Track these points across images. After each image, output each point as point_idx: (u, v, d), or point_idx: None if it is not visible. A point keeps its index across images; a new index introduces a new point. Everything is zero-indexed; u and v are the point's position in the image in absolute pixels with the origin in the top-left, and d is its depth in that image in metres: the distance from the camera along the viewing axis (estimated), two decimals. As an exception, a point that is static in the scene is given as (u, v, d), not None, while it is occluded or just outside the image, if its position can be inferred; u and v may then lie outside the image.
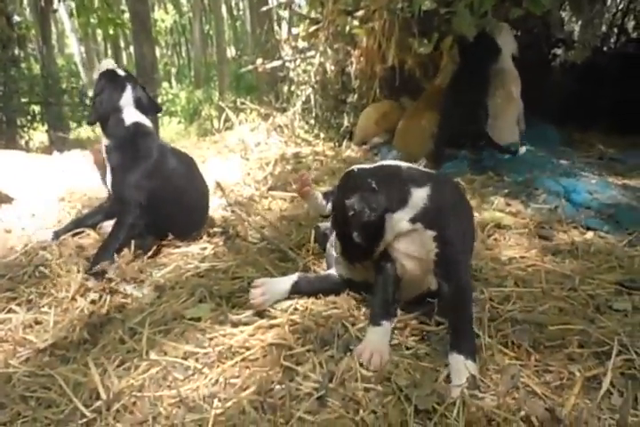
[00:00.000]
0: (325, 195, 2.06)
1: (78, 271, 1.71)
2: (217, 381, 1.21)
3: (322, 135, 4.39)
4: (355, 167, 1.53)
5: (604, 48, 5.79)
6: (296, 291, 1.58)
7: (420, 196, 1.40)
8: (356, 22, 4.16)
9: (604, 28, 6.25)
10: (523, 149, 3.14)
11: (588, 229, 2.17)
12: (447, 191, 1.46)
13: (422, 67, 3.93)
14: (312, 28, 4.65)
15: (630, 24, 5.84)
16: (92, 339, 1.38)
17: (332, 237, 1.77)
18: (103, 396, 1.11)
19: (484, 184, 2.85)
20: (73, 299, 1.56)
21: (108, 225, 2.09)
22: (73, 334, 1.37)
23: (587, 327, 1.39)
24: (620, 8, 5.82)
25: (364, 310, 1.54)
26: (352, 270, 1.62)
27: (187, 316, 1.47)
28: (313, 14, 5.00)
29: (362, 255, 1.50)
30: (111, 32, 11.35)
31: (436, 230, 1.40)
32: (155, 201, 1.97)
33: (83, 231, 2.09)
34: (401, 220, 1.40)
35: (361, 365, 1.26)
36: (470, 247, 1.57)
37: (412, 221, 1.40)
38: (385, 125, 3.92)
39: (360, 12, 4.15)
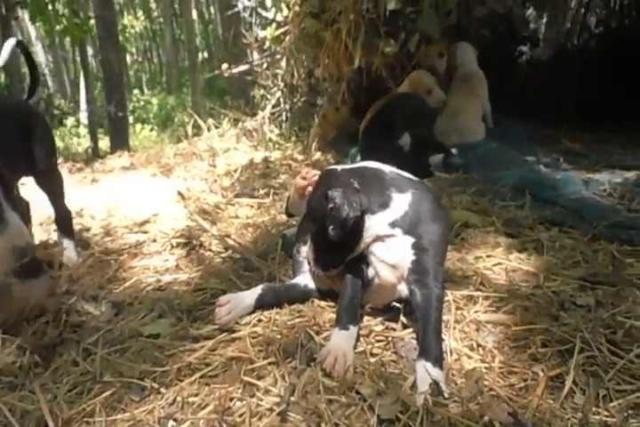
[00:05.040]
0: None
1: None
2: (174, 400, 1.17)
3: (292, 139, 4.36)
4: (336, 167, 1.53)
5: (568, 44, 5.88)
6: (261, 305, 1.54)
7: (401, 201, 1.41)
8: (322, 24, 4.14)
9: (567, 25, 6.37)
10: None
11: (554, 224, 2.18)
12: (428, 199, 1.46)
13: (389, 67, 3.93)
14: (279, 32, 4.62)
15: (592, 20, 5.93)
16: (44, 363, 1.32)
17: (299, 244, 1.74)
18: (51, 425, 1.06)
19: (453, 183, 2.85)
20: (25, 320, 1.50)
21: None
22: (23, 359, 1.31)
23: (550, 326, 1.38)
24: (581, 3, 5.92)
25: (329, 316, 1.51)
26: (319, 279, 1.60)
27: (145, 333, 1.42)
28: (279, 17, 4.97)
29: (338, 258, 1.46)
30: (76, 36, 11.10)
31: (415, 237, 1.40)
32: None
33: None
34: (380, 222, 1.40)
35: (324, 373, 1.23)
36: (445, 256, 1.56)
37: (392, 225, 1.40)
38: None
39: (326, 14, 4.14)
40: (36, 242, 2.05)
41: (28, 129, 1.79)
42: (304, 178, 1.74)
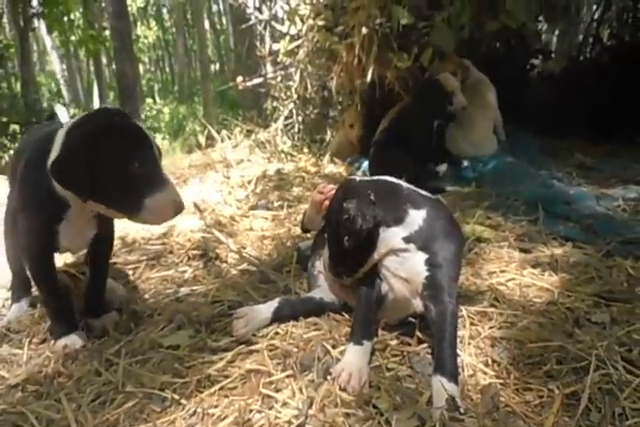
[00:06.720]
0: None
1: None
2: (195, 412, 1.19)
3: (305, 150, 4.40)
4: (355, 177, 1.57)
5: (581, 57, 5.90)
6: (278, 317, 1.56)
7: (416, 217, 1.43)
8: (335, 38, 4.20)
9: (580, 38, 6.39)
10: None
11: (567, 240, 2.18)
12: (443, 216, 1.49)
13: (402, 81, 3.97)
14: (292, 45, 4.69)
15: (605, 33, 5.95)
16: (67, 372, 1.35)
17: (314, 258, 1.77)
18: (76, 433, 1.09)
19: (466, 197, 2.87)
20: (49, 331, 1.54)
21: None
22: (47, 368, 1.34)
23: (565, 343, 1.39)
24: (594, 18, 5.95)
25: (345, 330, 1.53)
26: (334, 289, 1.62)
27: (164, 344, 1.44)
28: (293, 31, 5.05)
29: (351, 267, 1.48)
30: (91, 48, 11.26)
31: (429, 253, 1.42)
32: None
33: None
34: (395, 236, 1.42)
35: (341, 388, 1.25)
36: (458, 272, 1.57)
37: (406, 240, 1.42)
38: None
39: (339, 28, 4.20)
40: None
41: None
42: (321, 192, 1.76)
